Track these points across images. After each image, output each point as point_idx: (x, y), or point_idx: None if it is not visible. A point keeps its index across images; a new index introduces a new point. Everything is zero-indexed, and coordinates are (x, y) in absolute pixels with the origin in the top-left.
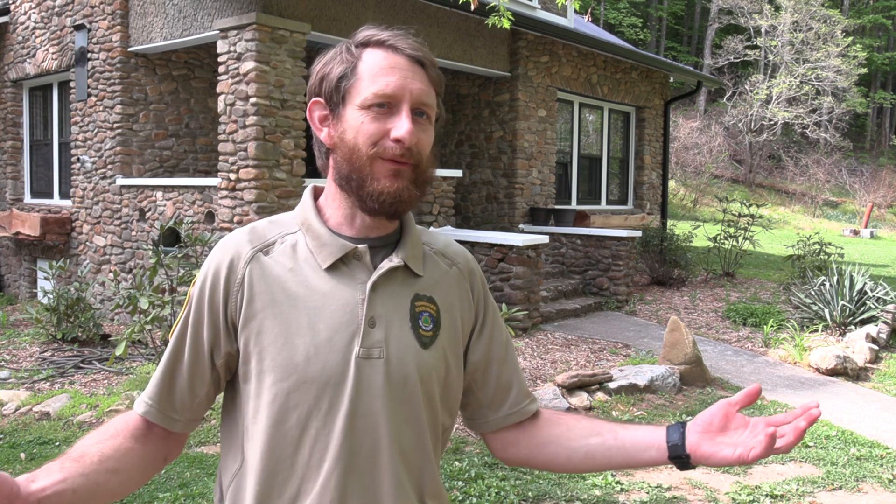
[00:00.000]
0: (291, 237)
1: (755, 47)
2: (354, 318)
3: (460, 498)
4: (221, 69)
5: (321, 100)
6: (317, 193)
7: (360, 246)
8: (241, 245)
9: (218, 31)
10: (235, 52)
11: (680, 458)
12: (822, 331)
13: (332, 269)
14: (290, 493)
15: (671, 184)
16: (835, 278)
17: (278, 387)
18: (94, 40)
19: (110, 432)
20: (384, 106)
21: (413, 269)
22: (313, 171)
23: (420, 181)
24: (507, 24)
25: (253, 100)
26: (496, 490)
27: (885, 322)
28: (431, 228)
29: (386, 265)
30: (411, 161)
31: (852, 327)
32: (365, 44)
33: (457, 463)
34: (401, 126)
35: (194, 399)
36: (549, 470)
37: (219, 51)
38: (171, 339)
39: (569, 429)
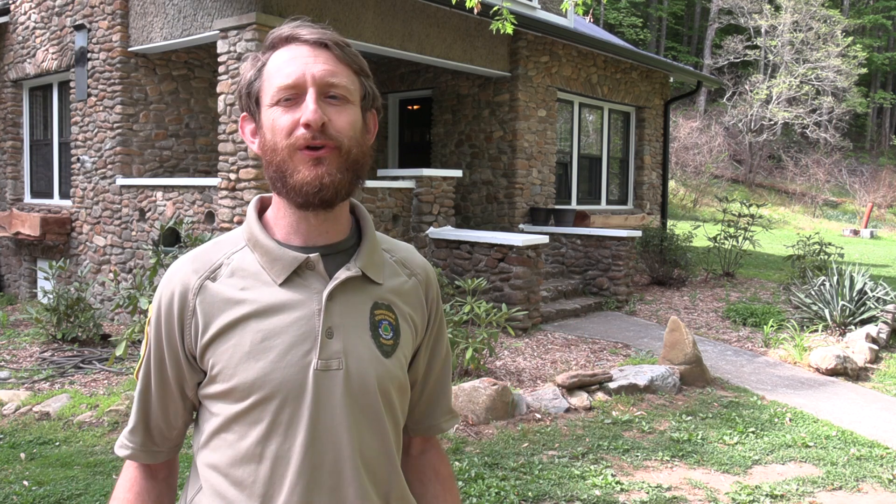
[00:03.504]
0: (238, 255)
1: (755, 47)
2: (311, 330)
3: (460, 498)
4: (221, 69)
5: (246, 113)
6: (263, 204)
7: (311, 256)
8: (187, 276)
9: (218, 31)
10: (235, 52)
11: None
12: (822, 331)
13: (286, 281)
14: None
15: (671, 184)
16: (835, 278)
17: (238, 405)
18: (94, 40)
19: (141, 495)
20: (291, 98)
21: (371, 278)
22: None
23: (347, 164)
24: (510, 30)
25: None
26: (496, 490)
27: (885, 322)
28: (432, 229)
29: (343, 274)
30: (330, 144)
31: (852, 327)
32: (272, 46)
33: (457, 463)
34: (305, 109)
35: (172, 430)
36: None
37: (219, 51)
38: (139, 379)
39: (421, 496)
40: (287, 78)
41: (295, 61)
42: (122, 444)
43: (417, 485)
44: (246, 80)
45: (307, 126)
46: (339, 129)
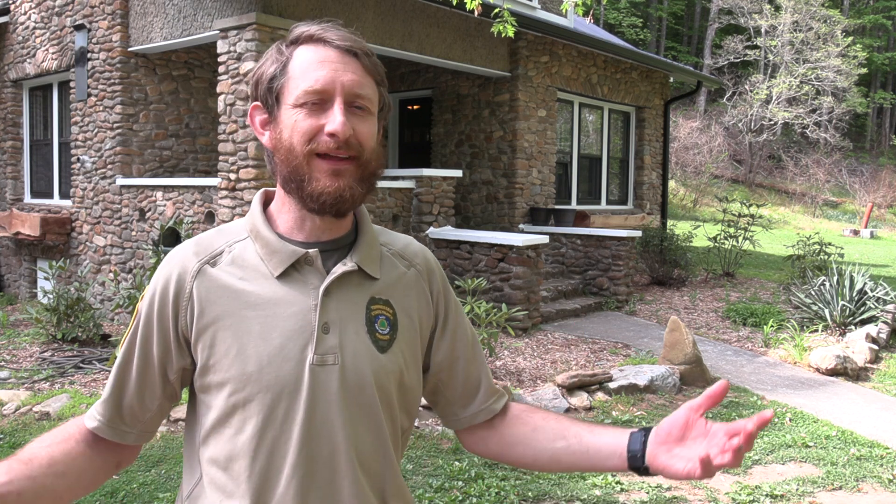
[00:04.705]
0: (240, 244)
1: (755, 47)
2: (307, 325)
3: (460, 498)
4: (221, 69)
5: (259, 103)
6: (268, 197)
7: (310, 251)
8: (187, 259)
9: (218, 31)
10: (235, 52)
11: (639, 468)
12: (822, 331)
13: (284, 275)
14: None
15: (671, 184)
16: (835, 278)
17: (234, 398)
18: (94, 40)
19: (63, 435)
20: (316, 102)
21: (368, 272)
22: None
23: (365, 176)
24: (511, 33)
25: None
26: (496, 490)
27: (885, 322)
28: (432, 229)
29: (339, 269)
30: (351, 154)
31: (852, 327)
32: (296, 41)
33: (457, 463)
34: (333, 119)
35: (145, 412)
36: (517, 466)
37: (219, 51)
38: (119, 354)
39: (535, 429)
40: (315, 83)
41: (324, 66)
42: (91, 415)
43: (519, 426)
44: (268, 74)
45: (333, 135)
46: (361, 141)
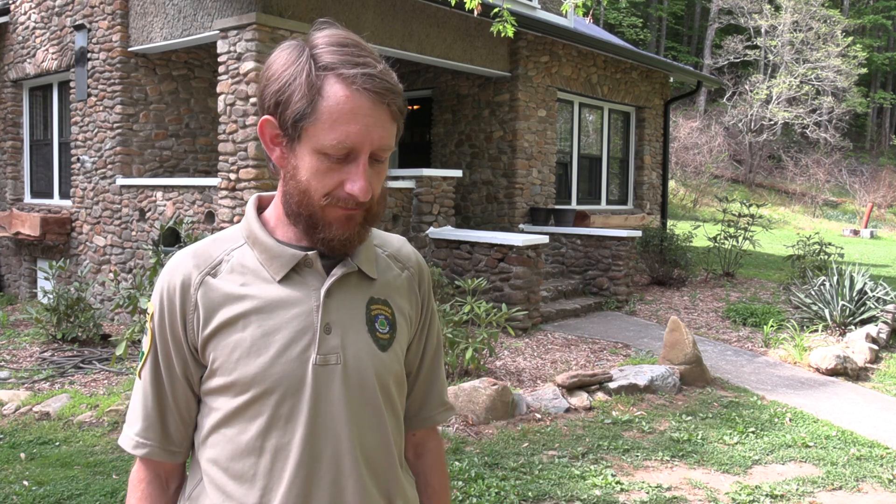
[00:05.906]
0: (238, 251)
1: (755, 47)
2: (310, 326)
3: (460, 498)
4: (221, 69)
5: (275, 121)
6: (261, 202)
7: (309, 253)
8: (188, 270)
9: (218, 31)
10: (235, 52)
11: None
12: (822, 331)
13: (285, 278)
14: (253, 503)
15: (671, 184)
16: (835, 278)
17: (238, 400)
18: (94, 40)
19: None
20: (342, 156)
21: (367, 273)
22: None
23: (370, 218)
24: (510, 32)
25: (253, 100)
26: (496, 490)
27: (885, 322)
28: (432, 229)
29: (339, 271)
30: (364, 206)
31: (852, 327)
32: (328, 68)
33: (457, 463)
34: (356, 181)
35: (188, 427)
36: None
37: (219, 51)
38: (145, 375)
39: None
40: (346, 138)
41: (356, 119)
42: (137, 444)
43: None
44: (295, 109)
45: (352, 196)
46: (375, 193)
